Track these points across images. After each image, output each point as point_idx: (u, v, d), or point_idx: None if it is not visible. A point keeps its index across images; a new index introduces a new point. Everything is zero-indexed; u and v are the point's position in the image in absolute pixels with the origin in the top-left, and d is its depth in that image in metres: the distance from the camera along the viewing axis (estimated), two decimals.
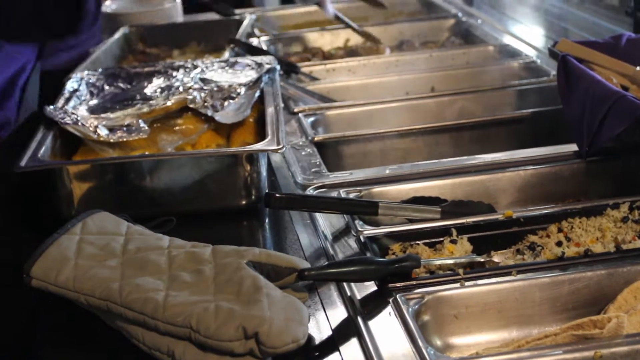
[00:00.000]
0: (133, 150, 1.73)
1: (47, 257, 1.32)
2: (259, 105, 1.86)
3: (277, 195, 1.50)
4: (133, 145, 1.73)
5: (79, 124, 1.72)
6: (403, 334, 1.19)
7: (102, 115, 1.81)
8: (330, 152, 1.97)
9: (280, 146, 1.59)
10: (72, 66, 2.20)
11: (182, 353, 1.16)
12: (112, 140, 1.70)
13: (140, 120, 1.74)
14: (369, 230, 1.47)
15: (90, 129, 1.71)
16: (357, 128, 2.07)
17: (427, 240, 1.47)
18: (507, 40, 2.67)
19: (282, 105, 1.87)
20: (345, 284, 1.33)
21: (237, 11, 3.18)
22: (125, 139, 1.70)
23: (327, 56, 2.76)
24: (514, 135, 2.01)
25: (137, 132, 1.71)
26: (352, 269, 1.29)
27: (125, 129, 1.72)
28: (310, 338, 1.21)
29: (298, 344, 1.13)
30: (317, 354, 1.20)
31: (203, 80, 1.93)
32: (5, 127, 1.69)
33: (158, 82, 1.96)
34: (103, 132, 1.71)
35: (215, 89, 1.86)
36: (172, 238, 1.38)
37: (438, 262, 1.38)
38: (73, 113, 1.77)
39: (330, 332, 1.25)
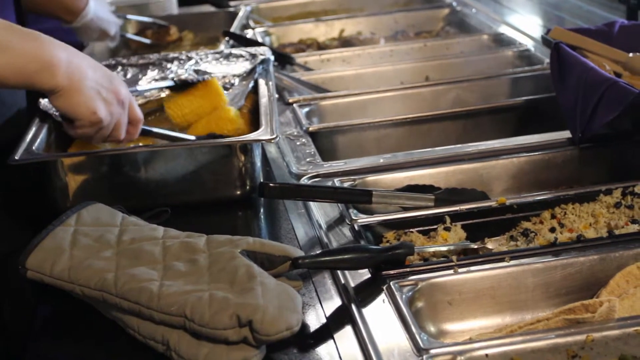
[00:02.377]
0: (128, 143, 1.73)
1: (42, 248, 1.33)
2: (253, 96, 1.87)
3: (272, 184, 1.50)
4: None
5: None
6: (397, 321, 1.20)
7: None
8: (325, 142, 1.97)
9: (274, 136, 1.59)
10: None
11: (176, 342, 1.16)
12: None
13: None
14: (363, 219, 1.48)
15: None
16: (351, 118, 2.08)
17: (421, 228, 1.47)
18: (501, 29, 2.67)
19: (276, 95, 1.87)
20: (339, 272, 1.33)
21: (232, 3, 3.18)
22: None
23: (321, 47, 2.77)
24: (508, 123, 2.01)
25: None
26: (346, 256, 1.30)
27: None
28: (304, 326, 1.21)
29: (292, 332, 1.13)
30: (311, 341, 1.21)
31: (197, 71, 1.93)
32: None
33: (152, 74, 1.96)
34: None
35: None
36: (166, 228, 1.38)
37: (432, 250, 1.39)
38: None
39: (324, 320, 1.25)
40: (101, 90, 1.48)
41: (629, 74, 1.72)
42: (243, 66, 1.96)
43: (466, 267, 1.31)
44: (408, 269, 1.31)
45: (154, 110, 1.81)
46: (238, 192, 1.63)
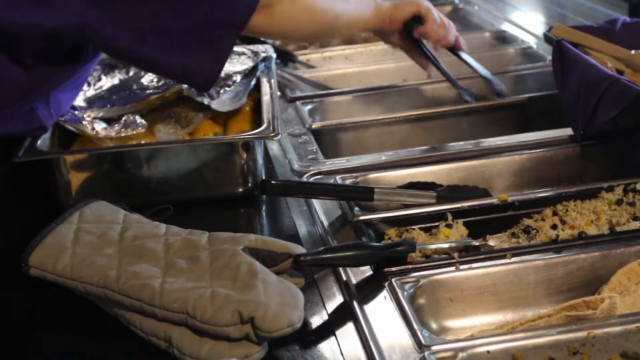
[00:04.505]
0: (130, 140, 1.73)
1: (45, 245, 1.33)
2: (256, 94, 1.87)
3: (273, 182, 1.51)
4: (130, 135, 1.74)
5: (76, 121, 1.72)
6: (399, 318, 1.20)
7: (100, 106, 1.82)
8: (328, 140, 1.97)
9: (275, 133, 1.60)
10: None
11: (179, 338, 1.17)
12: (109, 136, 1.70)
13: (137, 116, 1.74)
14: (365, 216, 1.48)
15: (88, 125, 1.71)
16: (353, 115, 2.08)
17: (423, 225, 1.47)
18: (503, 26, 2.67)
19: (278, 93, 1.87)
20: (341, 269, 1.34)
21: None
22: (122, 134, 1.70)
23: (323, 44, 2.76)
24: (510, 120, 2.01)
25: (135, 126, 1.71)
26: (347, 253, 1.30)
27: (122, 122, 1.73)
28: (306, 322, 1.21)
29: (294, 328, 1.14)
30: (313, 338, 1.21)
31: None
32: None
33: None
34: (100, 126, 1.72)
35: None
36: (168, 226, 1.39)
37: (433, 247, 1.39)
38: (71, 106, 1.78)
39: (326, 317, 1.26)
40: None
41: (631, 71, 1.72)
42: (245, 64, 1.97)
43: (468, 264, 1.31)
44: (410, 266, 1.32)
45: (156, 107, 1.81)
46: (240, 190, 1.63)
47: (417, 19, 1.92)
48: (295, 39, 2.02)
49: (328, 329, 1.23)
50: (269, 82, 1.89)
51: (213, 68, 1.54)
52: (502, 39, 2.56)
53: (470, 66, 2.05)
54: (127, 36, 1.49)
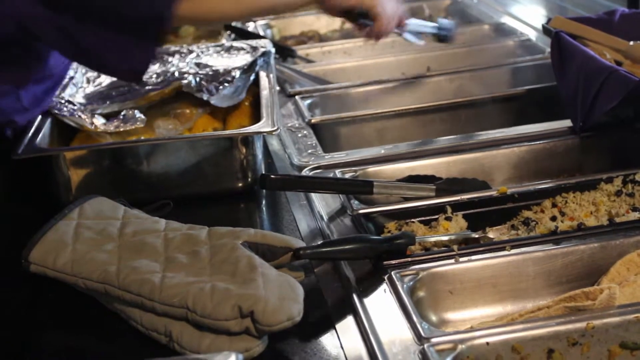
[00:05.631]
0: (130, 136, 1.74)
1: (46, 242, 1.33)
2: (255, 89, 1.87)
3: (273, 176, 1.51)
4: (130, 131, 1.74)
5: (76, 115, 1.73)
6: (398, 311, 1.21)
7: (99, 102, 1.82)
8: (327, 134, 1.98)
9: (274, 128, 1.60)
10: None
11: (179, 333, 1.17)
12: (108, 131, 1.71)
13: (136, 111, 1.75)
14: (365, 209, 1.48)
15: (87, 120, 1.71)
16: (353, 109, 2.08)
17: (422, 218, 1.48)
18: (503, 19, 2.67)
19: (277, 88, 1.88)
20: (340, 263, 1.34)
21: None
22: (122, 129, 1.71)
23: (323, 39, 2.76)
24: (509, 113, 2.01)
25: (134, 121, 1.71)
26: (347, 247, 1.30)
27: (122, 117, 1.73)
28: (306, 316, 1.21)
29: (293, 322, 1.14)
30: (313, 331, 1.21)
31: (198, 64, 1.94)
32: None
33: (154, 67, 1.96)
34: (99, 121, 1.72)
35: (210, 73, 1.87)
36: (168, 221, 1.39)
37: (433, 239, 1.39)
38: (70, 102, 1.78)
39: (326, 310, 1.26)
40: None
41: (630, 63, 1.71)
42: (244, 59, 1.97)
43: (467, 257, 1.31)
44: (409, 259, 1.32)
45: (156, 103, 1.81)
46: (240, 184, 1.64)
47: (365, 15, 1.86)
48: (225, 21, 2.05)
49: (328, 323, 1.23)
50: (268, 77, 1.89)
51: (142, 59, 1.57)
52: (501, 31, 2.56)
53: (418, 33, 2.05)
54: (62, 33, 1.52)
